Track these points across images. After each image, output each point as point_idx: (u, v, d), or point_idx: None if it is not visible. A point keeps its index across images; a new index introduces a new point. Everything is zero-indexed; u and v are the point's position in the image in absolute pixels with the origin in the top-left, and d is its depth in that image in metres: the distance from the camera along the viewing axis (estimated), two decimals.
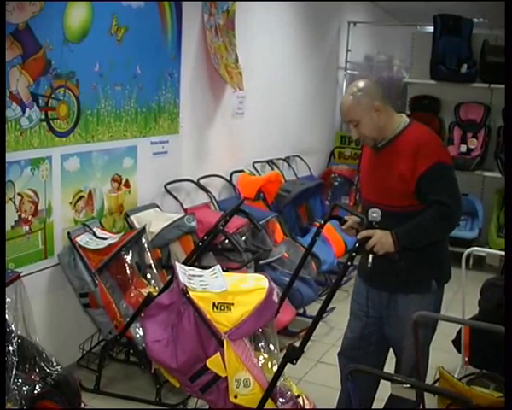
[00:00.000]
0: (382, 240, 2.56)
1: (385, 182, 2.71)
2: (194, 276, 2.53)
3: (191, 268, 2.64)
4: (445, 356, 3.74)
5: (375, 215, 2.58)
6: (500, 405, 2.24)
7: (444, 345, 3.75)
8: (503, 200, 6.09)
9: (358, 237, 2.59)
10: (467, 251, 3.67)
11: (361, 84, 2.73)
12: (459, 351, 3.54)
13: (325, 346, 4.24)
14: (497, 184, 6.17)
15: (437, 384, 2.77)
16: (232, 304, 2.43)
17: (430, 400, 2.57)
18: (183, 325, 2.42)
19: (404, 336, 2.77)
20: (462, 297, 3.64)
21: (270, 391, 2.42)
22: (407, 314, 2.67)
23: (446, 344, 3.71)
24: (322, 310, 2.56)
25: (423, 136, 2.70)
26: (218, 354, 2.40)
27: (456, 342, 3.59)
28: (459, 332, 3.55)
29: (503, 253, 3.51)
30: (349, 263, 2.54)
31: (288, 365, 2.46)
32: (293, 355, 2.45)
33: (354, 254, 2.57)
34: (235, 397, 2.42)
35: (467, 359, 3.41)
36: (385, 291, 2.83)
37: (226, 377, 2.41)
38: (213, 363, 2.40)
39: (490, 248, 5.56)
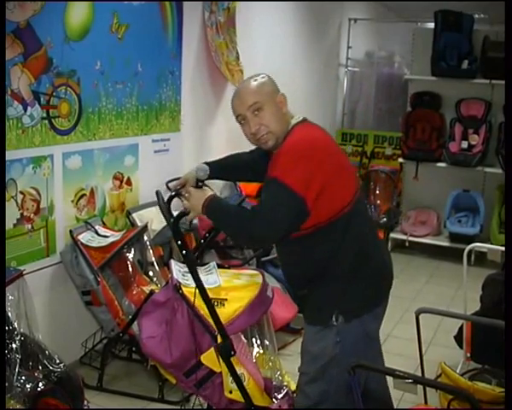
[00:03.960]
0: (193, 198, 2.36)
1: None
2: (188, 272, 2.54)
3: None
4: (446, 352, 3.75)
5: (201, 174, 2.49)
6: (502, 400, 2.24)
7: (445, 341, 3.76)
8: (504, 196, 6.09)
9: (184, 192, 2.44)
10: (468, 247, 3.66)
11: (261, 74, 2.42)
12: (461, 347, 3.54)
13: None
14: (499, 180, 6.16)
15: (439, 380, 2.77)
16: (226, 299, 2.44)
17: (432, 395, 2.58)
18: (176, 321, 2.42)
19: (303, 370, 2.42)
20: (463, 293, 3.65)
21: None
22: (306, 347, 2.42)
23: (448, 340, 3.72)
24: None
25: (287, 145, 2.29)
26: (213, 349, 2.40)
27: (458, 338, 3.60)
28: (461, 328, 3.56)
29: (504, 248, 3.52)
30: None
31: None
32: (225, 352, 2.41)
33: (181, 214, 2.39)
34: (230, 392, 2.43)
35: (468, 354, 3.42)
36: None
37: (221, 373, 2.42)
38: (207, 358, 2.41)
39: (491, 243, 5.56)
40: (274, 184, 2.20)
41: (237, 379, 2.42)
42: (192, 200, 2.37)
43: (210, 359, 2.41)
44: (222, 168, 2.67)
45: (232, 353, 2.40)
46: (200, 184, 2.48)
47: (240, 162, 2.72)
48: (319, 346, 2.33)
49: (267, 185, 2.25)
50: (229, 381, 2.43)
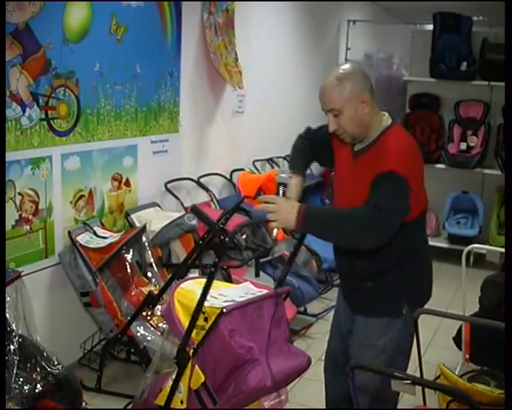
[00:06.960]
0: (283, 212, 2.19)
1: (360, 192, 2.30)
2: (214, 297, 2.41)
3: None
4: (445, 353, 3.75)
5: (283, 176, 2.28)
6: (501, 402, 2.24)
7: (444, 342, 3.76)
8: (503, 197, 6.10)
9: (260, 200, 2.28)
10: (467, 248, 3.67)
11: (349, 68, 2.33)
12: (460, 348, 3.54)
13: (326, 344, 4.23)
14: (498, 182, 6.17)
15: (437, 381, 2.77)
16: None
17: (431, 397, 2.58)
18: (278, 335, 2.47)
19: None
20: (462, 294, 3.65)
21: None
22: (369, 341, 2.48)
23: (447, 341, 3.71)
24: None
25: (398, 141, 2.33)
26: None
27: (457, 340, 3.60)
28: (460, 329, 3.55)
29: (503, 250, 3.52)
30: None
31: None
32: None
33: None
34: None
35: (467, 356, 3.41)
36: (350, 309, 2.58)
37: None
38: None
39: (490, 245, 5.56)
40: (393, 177, 2.21)
41: None
42: (281, 214, 2.20)
43: None
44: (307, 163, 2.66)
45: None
46: (284, 190, 2.27)
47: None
48: (387, 337, 2.44)
49: (384, 178, 2.22)
50: None
